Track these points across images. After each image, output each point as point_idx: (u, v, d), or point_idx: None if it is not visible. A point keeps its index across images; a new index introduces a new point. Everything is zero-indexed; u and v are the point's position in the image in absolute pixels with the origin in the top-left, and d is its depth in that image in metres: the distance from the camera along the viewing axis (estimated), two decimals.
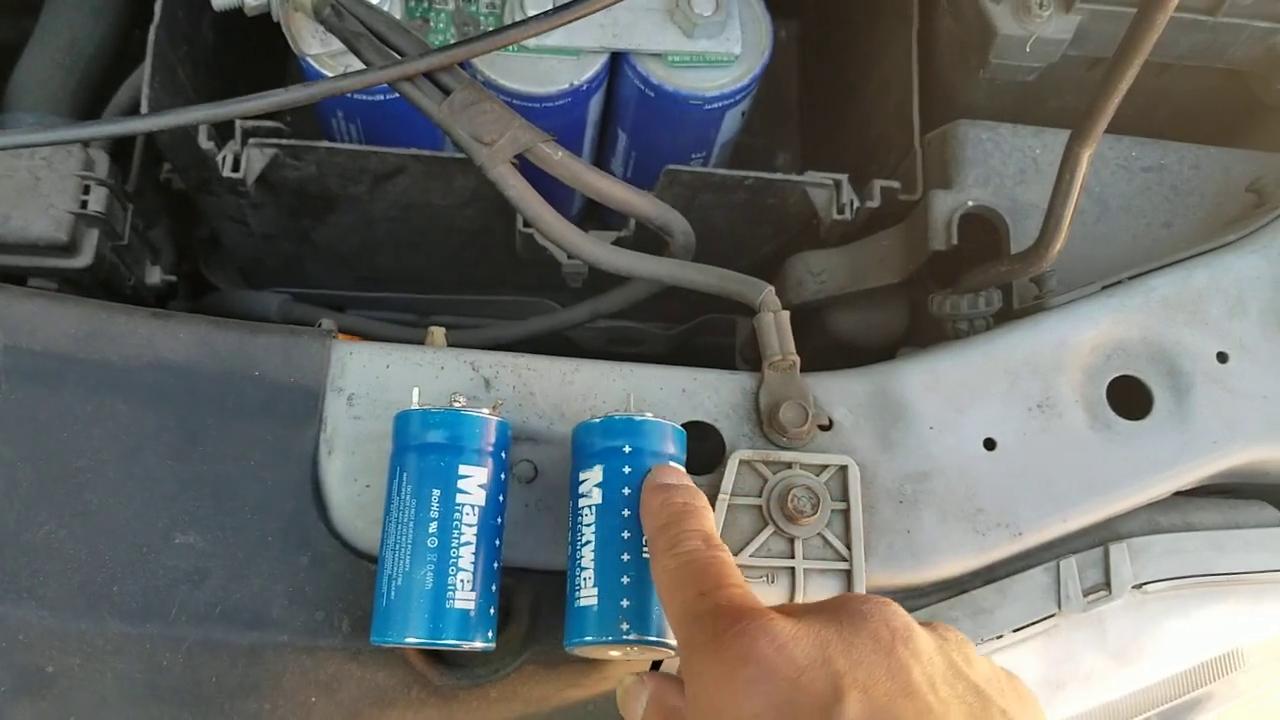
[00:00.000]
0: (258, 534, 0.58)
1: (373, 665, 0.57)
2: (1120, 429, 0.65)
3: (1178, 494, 0.67)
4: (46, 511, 0.57)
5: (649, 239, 0.73)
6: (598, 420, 0.55)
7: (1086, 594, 0.63)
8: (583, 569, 0.53)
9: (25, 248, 0.69)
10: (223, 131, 0.73)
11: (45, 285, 0.72)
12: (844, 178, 0.77)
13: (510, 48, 0.74)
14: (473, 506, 0.53)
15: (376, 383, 0.61)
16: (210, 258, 0.93)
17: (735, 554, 0.59)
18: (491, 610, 0.54)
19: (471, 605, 0.53)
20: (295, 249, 0.88)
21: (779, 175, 0.75)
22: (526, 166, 0.66)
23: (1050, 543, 0.64)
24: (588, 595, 0.52)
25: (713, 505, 0.59)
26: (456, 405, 0.55)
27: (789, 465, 0.61)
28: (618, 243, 0.71)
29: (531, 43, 0.75)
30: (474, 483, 0.54)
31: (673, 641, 0.51)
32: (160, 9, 0.71)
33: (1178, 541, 0.65)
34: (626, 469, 0.54)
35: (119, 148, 0.76)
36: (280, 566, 0.58)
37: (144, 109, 0.69)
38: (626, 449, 0.54)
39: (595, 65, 0.78)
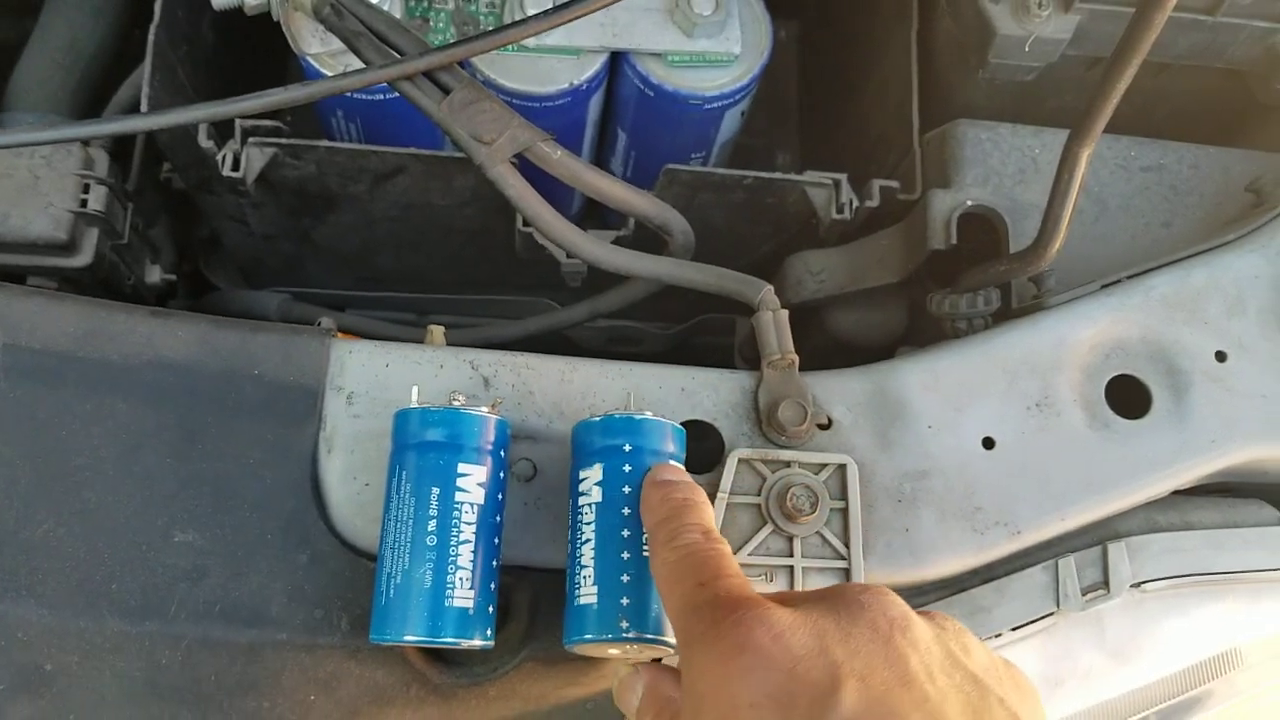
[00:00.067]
0: (257, 532, 0.58)
1: (372, 663, 0.57)
2: (1119, 428, 0.65)
3: (1176, 493, 0.67)
4: (46, 510, 0.57)
5: (648, 238, 0.73)
6: (598, 419, 0.55)
7: (1085, 593, 0.63)
8: (582, 567, 0.53)
9: (25, 246, 0.69)
10: (222, 130, 0.73)
11: (45, 284, 0.72)
12: (843, 177, 0.77)
13: (510, 47, 0.74)
14: (472, 505, 0.53)
15: (376, 381, 0.61)
16: (210, 257, 0.93)
17: (734, 552, 0.59)
18: (490, 608, 0.54)
19: (470, 603, 0.53)
20: (295, 248, 0.88)
21: (778, 175, 0.75)
22: (526, 166, 0.66)
23: (1049, 541, 0.64)
24: (587, 593, 0.53)
25: (712, 504, 0.59)
26: (456, 404, 0.55)
27: (788, 464, 0.61)
28: (617, 242, 0.71)
29: (531, 42, 0.75)
30: (473, 481, 0.54)
31: (672, 640, 0.51)
32: (160, 9, 0.72)
33: (1176, 540, 0.65)
34: (626, 467, 0.54)
35: (119, 147, 0.76)
36: (279, 565, 0.58)
37: (144, 108, 0.69)
38: (627, 447, 0.54)
39: (595, 65, 0.78)
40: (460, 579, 0.52)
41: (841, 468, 0.61)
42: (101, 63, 0.86)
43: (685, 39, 0.77)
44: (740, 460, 0.61)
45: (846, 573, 0.59)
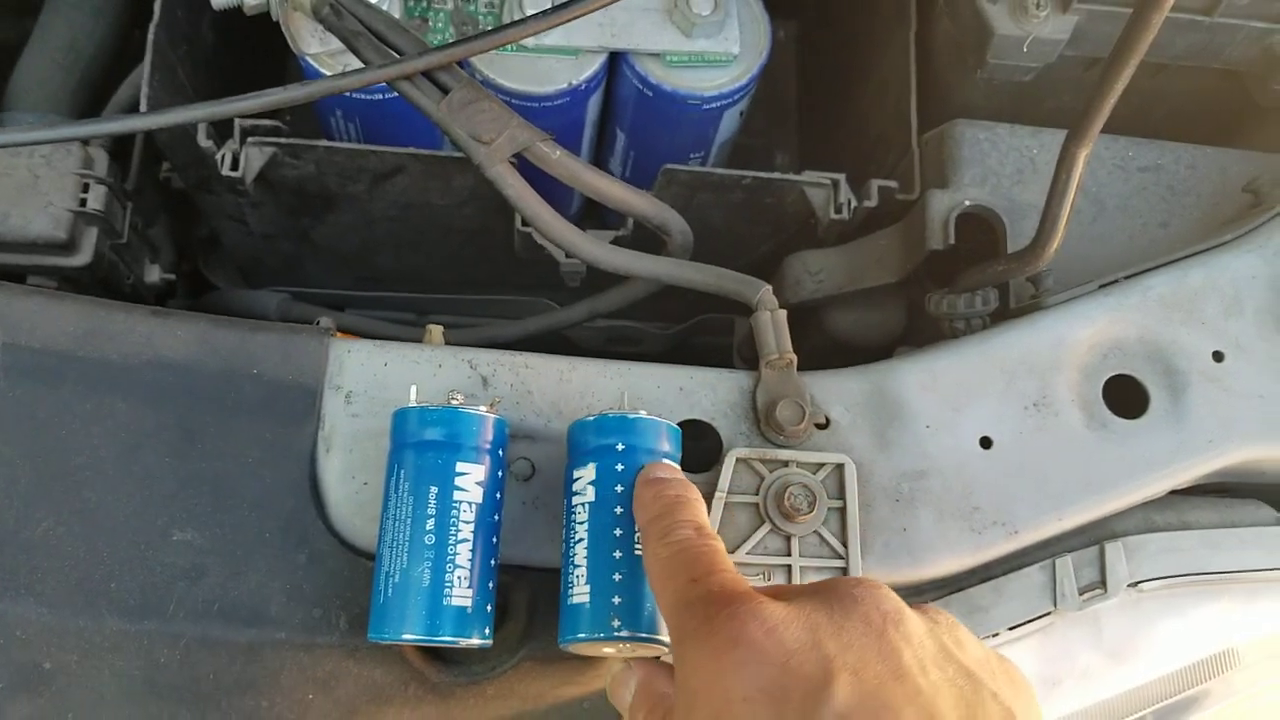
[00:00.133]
0: (256, 531, 0.58)
1: (370, 662, 0.57)
2: (1116, 428, 0.65)
3: (1173, 493, 0.67)
4: (45, 509, 0.57)
5: (647, 238, 0.73)
6: (591, 418, 0.55)
7: (1082, 592, 0.63)
8: (576, 566, 0.53)
9: (24, 246, 0.69)
10: (222, 130, 0.73)
11: (44, 283, 0.72)
12: (841, 177, 0.77)
13: (509, 47, 0.74)
14: (470, 504, 0.54)
15: (374, 380, 0.61)
16: (209, 257, 0.93)
17: (732, 552, 0.59)
18: (488, 607, 0.54)
19: (468, 602, 0.53)
20: (294, 248, 0.88)
21: (777, 175, 0.76)
22: (525, 166, 0.66)
23: (1046, 541, 0.64)
24: (580, 592, 0.53)
25: (710, 503, 0.59)
26: (454, 403, 0.55)
27: (786, 463, 0.61)
28: (616, 242, 0.71)
29: (530, 42, 0.75)
30: (471, 480, 0.54)
31: (665, 638, 0.51)
32: (160, 8, 0.72)
33: (1173, 540, 0.65)
34: (619, 466, 0.54)
35: (118, 146, 0.76)
36: (278, 564, 0.58)
37: (143, 107, 0.70)
38: (620, 446, 0.54)
39: (594, 65, 0.78)
40: (458, 578, 0.53)
41: (839, 467, 0.61)
42: (101, 62, 0.86)
43: (684, 39, 0.78)
44: (738, 460, 0.61)
45: (844, 572, 0.60)
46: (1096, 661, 0.64)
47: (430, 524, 0.53)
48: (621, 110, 0.85)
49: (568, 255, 0.74)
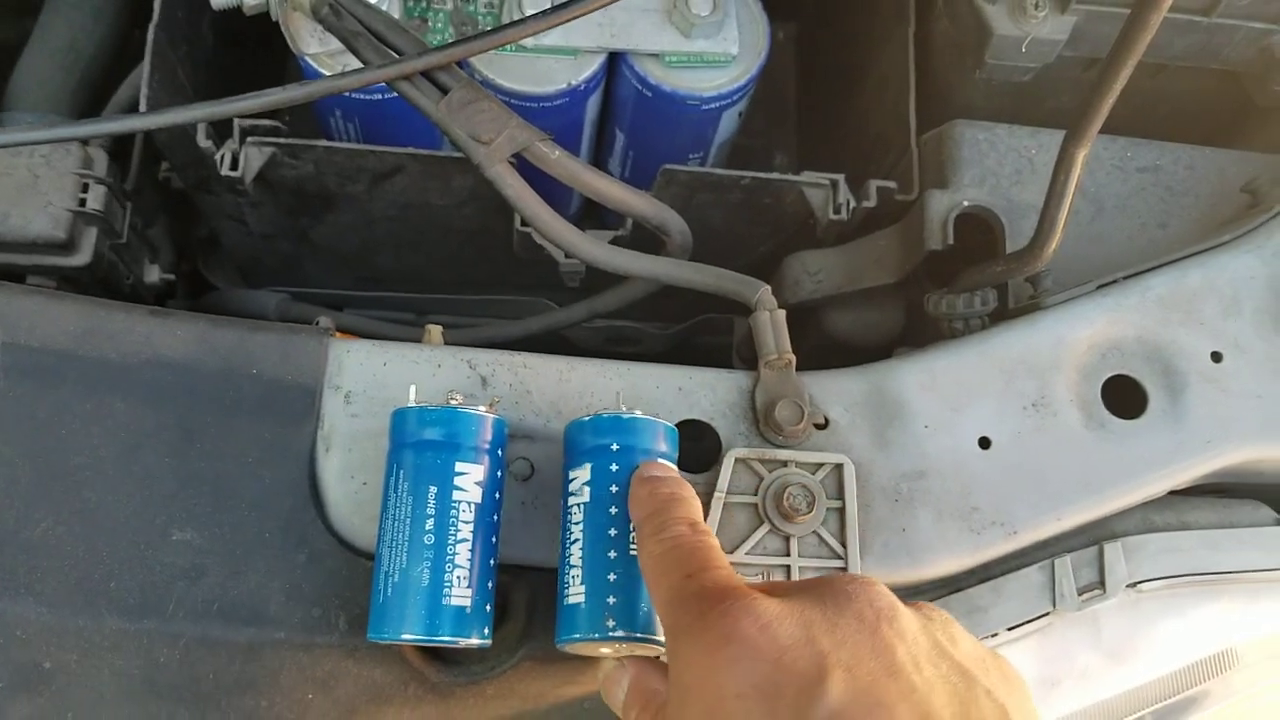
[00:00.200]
0: (255, 531, 0.58)
1: (369, 662, 0.57)
2: (1115, 428, 0.65)
3: (1172, 493, 0.67)
4: (45, 508, 0.57)
5: (646, 238, 0.73)
6: (587, 419, 0.55)
7: (1081, 592, 0.63)
8: (571, 567, 0.53)
9: (24, 246, 0.69)
10: (221, 130, 0.73)
11: (44, 283, 0.72)
12: (840, 178, 0.77)
13: (508, 47, 0.74)
14: (469, 504, 0.54)
15: (374, 380, 0.61)
16: (209, 257, 0.93)
17: (731, 552, 0.59)
18: (488, 607, 0.54)
19: (468, 602, 0.53)
20: (293, 248, 0.88)
21: (776, 175, 0.76)
22: (524, 166, 0.66)
23: (1045, 541, 0.64)
24: (576, 593, 0.53)
25: (708, 503, 0.59)
26: (453, 403, 0.55)
27: (785, 463, 0.61)
28: (615, 242, 0.71)
29: (529, 42, 0.75)
30: (470, 480, 0.54)
31: (661, 638, 0.51)
32: (159, 8, 0.72)
33: (1172, 540, 0.65)
34: (614, 467, 0.54)
35: (118, 146, 0.76)
36: (277, 563, 0.58)
37: (143, 107, 0.70)
38: (614, 447, 0.54)
39: (593, 65, 0.78)
40: (458, 577, 0.53)
41: (838, 467, 0.61)
42: (101, 62, 0.86)
43: (683, 39, 0.78)
44: (737, 460, 0.61)
45: (843, 572, 0.60)
46: (1095, 662, 0.64)
47: (429, 524, 0.53)
48: (620, 110, 0.85)
49: (567, 255, 0.74)
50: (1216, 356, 0.67)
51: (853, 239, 0.81)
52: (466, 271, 0.93)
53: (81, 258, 0.71)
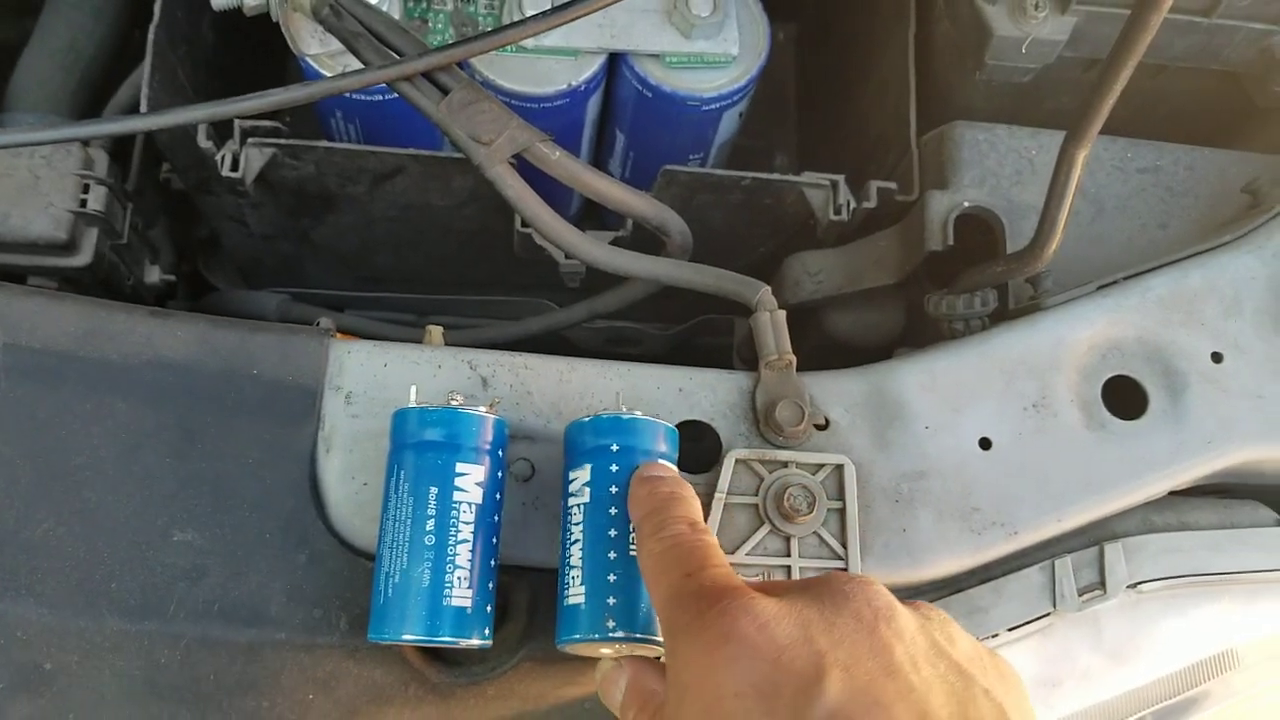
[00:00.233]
0: (256, 532, 0.58)
1: (370, 663, 0.57)
2: (1115, 429, 0.65)
3: (1173, 494, 0.67)
4: (46, 509, 0.57)
5: (646, 239, 0.73)
6: (586, 419, 0.55)
7: (1082, 593, 0.63)
8: (571, 567, 0.53)
9: (25, 246, 0.69)
10: (222, 131, 0.73)
11: (45, 284, 0.72)
12: (841, 178, 0.77)
13: (508, 48, 0.74)
14: (470, 504, 0.54)
15: (374, 381, 0.61)
16: (209, 258, 0.93)
17: (732, 553, 0.59)
18: (488, 608, 0.54)
19: (468, 603, 0.53)
20: (294, 249, 0.88)
21: (776, 176, 0.76)
22: (524, 166, 0.66)
23: (1046, 542, 0.64)
24: (576, 593, 0.53)
25: (709, 504, 0.59)
26: (454, 403, 0.55)
27: (785, 464, 0.61)
28: (615, 243, 0.71)
29: (530, 43, 0.75)
30: (471, 480, 0.54)
31: (660, 638, 0.51)
32: (160, 9, 0.72)
33: (1173, 541, 0.65)
34: (614, 467, 0.54)
35: (119, 147, 0.76)
36: (278, 564, 0.58)
37: (143, 108, 0.70)
38: (614, 447, 0.54)
39: (593, 66, 0.78)
40: (458, 578, 0.53)
41: (839, 468, 0.61)
42: (101, 63, 0.86)
43: (683, 40, 0.78)
44: (738, 460, 0.61)
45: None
46: (1096, 662, 0.64)
47: (430, 524, 0.53)
48: (621, 111, 0.85)
49: (567, 256, 0.74)
50: (1217, 357, 0.67)
51: (853, 240, 0.81)
52: (467, 272, 0.93)
53: (82, 258, 0.71)
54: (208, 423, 0.59)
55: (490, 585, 0.54)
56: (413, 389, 0.56)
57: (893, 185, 0.77)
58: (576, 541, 0.54)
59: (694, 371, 0.64)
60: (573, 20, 0.63)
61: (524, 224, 0.73)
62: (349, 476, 0.59)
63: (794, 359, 0.64)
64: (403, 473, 0.54)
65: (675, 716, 0.44)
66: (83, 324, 0.60)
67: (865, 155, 0.88)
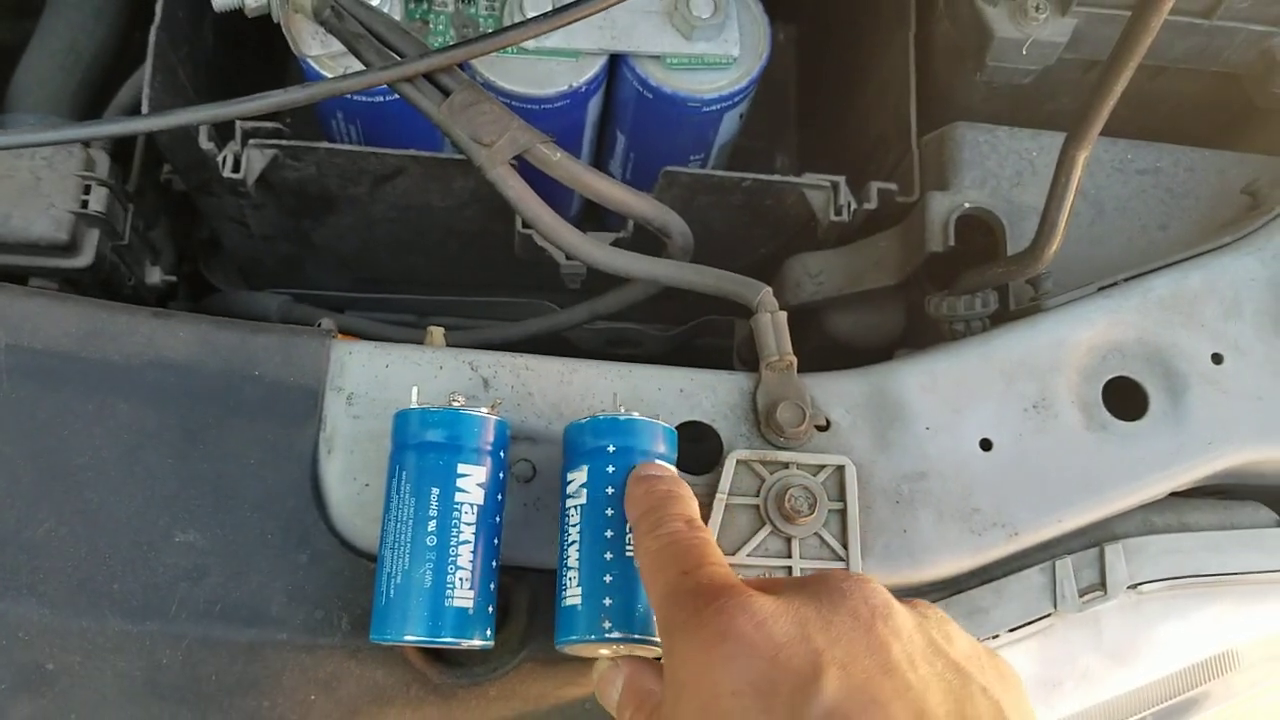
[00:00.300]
0: (257, 532, 0.58)
1: (371, 663, 0.57)
2: (1116, 430, 0.65)
3: (1173, 495, 0.67)
4: (47, 509, 0.57)
5: (647, 240, 0.73)
6: (584, 421, 0.55)
7: (1082, 594, 0.63)
8: (569, 569, 0.53)
9: (26, 247, 0.69)
10: (223, 132, 0.73)
11: (46, 285, 0.72)
12: (841, 180, 0.77)
13: (509, 49, 0.74)
14: (471, 505, 0.54)
15: (376, 382, 0.61)
16: (210, 259, 0.93)
17: (733, 554, 0.59)
18: (490, 608, 0.54)
19: (470, 603, 0.53)
20: (295, 250, 0.88)
21: (777, 177, 0.76)
22: (525, 168, 0.66)
23: (1046, 543, 0.64)
24: (573, 595, 0.53)
25: (710, 505, 0.59)
26: (455, 404, 0.55)
27: (786, 465, 0.61)
28: (616, 244, 0.71)
29: (530, 44, 0.75)
30: (472, 481, 0.54)
31: (657, 639, 0.51)
32: (161, 10, 0.72)
33: (1173, 542, 0.65)
34: (610, 468, 0.54)
35: (120, 148, 0.76)
36: (280, 564, 0.58)
37: (145, 109, 0.70)
38: (611, 448, 0.54)
39: (594, 67, 0.78)
40: (460, 579, 0.53)
41: (840, 469, 0.61)
42: (102, 64, 0.86)
43: (684, 41, 0.78)
44: (739, 461, 0.61)
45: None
46: (1096, 663, 0.64)
47: (432, 525, 0.53)
48: (622, 112, 0.85)
49: (568, 257, 0.74)
50: (1217, 358, 0.67)
51: (854, 241, 0.81)
52: (468, 273, 0.93)
53: (83, 259, 0.71)
54: (209, 423, 0.59)
55: (492, 586, 0.54)
56: (414, 390, 0.56)
57: (893, 186, 0.77)
58: (574, 543, 0.54)
59: (695, 372, 0.64)
60: (574, 22, 0.63)
61: (525, 225, 0.73)
62: (350, 477, 0.59)
63: (795, 360, 0.64)
64: (404, 474, 0.54)
65: (672, 715, 0.44)
66: (84, 325, 0.60)
67: (866, 156, 0.88)
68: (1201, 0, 0.73)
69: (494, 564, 0.55)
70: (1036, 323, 0.68)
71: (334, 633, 0.57)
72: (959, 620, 0.51)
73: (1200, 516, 0.67)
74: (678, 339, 1.01)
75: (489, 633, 0.54)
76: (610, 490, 0.53)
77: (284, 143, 0.72)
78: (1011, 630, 0.63)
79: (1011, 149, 0.77)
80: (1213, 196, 0.77)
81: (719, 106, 0.80)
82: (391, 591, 0.53)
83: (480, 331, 0.88)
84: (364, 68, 0.65)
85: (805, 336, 0.75)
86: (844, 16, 0.96)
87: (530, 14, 0.75)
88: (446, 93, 0.65)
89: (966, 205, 0.74)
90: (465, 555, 0.53)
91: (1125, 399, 0.66)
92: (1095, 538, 0.65)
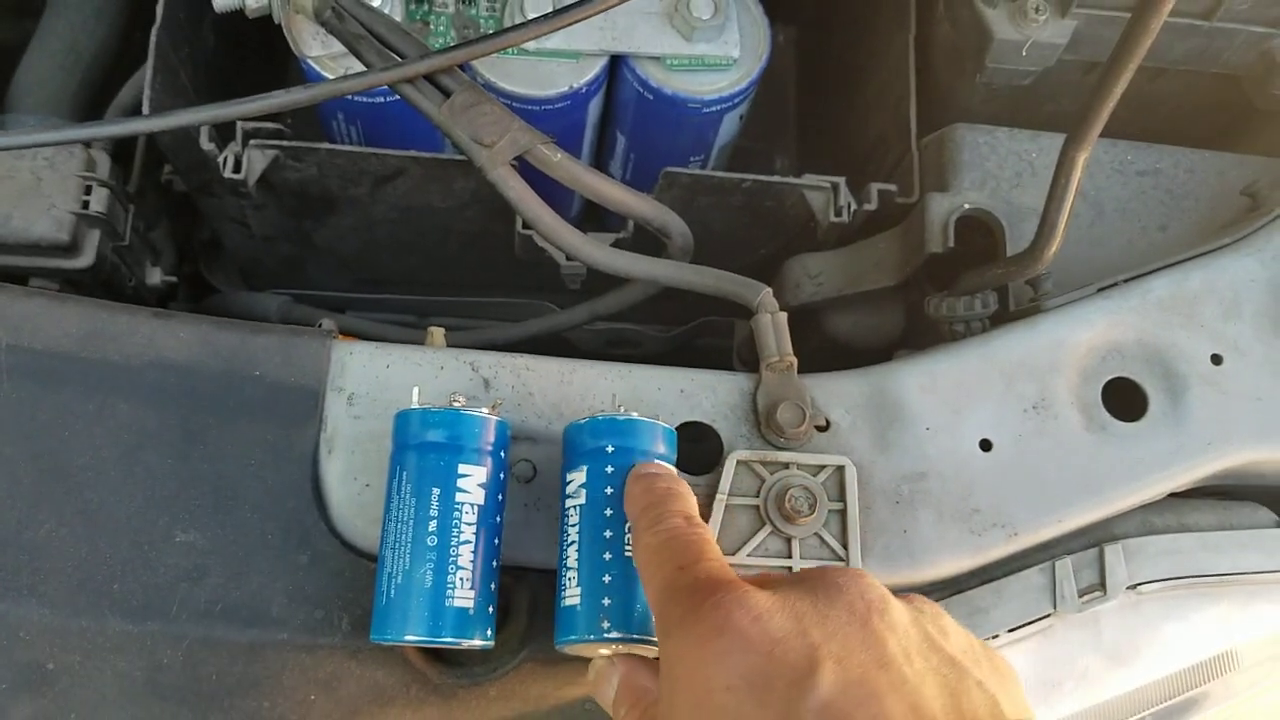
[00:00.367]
0: (258, 532, 0.58)
1: (372, 663, 0.58)
2: (1115, 430, 0.65)
3: (1172, 495, 0.67)
4: (48, 510, 0.57)
5: (647, 241, 0.73)
6: (583, 421, 0.56)
7: (1082, 594, 0.63)
8: (568, 569, 0.54)
9: (27, 248, 0.69)
10: (224, 133, 0.73)
11: (47, 285, 0.72)
12: (841, 180, 0.77)
13: (510, 50, 0.74)
14: (472, 505, 0.54)
15: (376, 382, 0.61)
16: (211, 259, 0.93)
17: (733, 554, 0.59)
18: (490, 608, 0.54)
19: (470, 603, 0.53)
20: (295, 251, 0.88)
21: (777, 178, 0.76)
22: (526, 168, 0.66)
23: (1046, 543, 0.64)
24: (572, 595, 0.53)
25: (710, 505, 0.59)
26: (456, 405, 0.55)
27: (786, 465, 0.61)
28: (616, 244, 0.71)
29: (531, 45, 0.75)
30: (473, 482, 0.54)
31: (656, 638, 0.51)
32: (162, 11, 0.72)
33: (1172, 542, 0.65)
34: (609, 469, 0.54)
35: (120, 149, 0.76)
36: (280, 565, 0.58)
37: (145, 110, 0.70)
38: (609, 448, 0.54)
39: (594, 68, 0.78)
40: (460, 579, 0.53)
41: (840, 469, 0.61)
42: (103, 64, 0.87)
43: (684, 43, 0.78)
44: (739, 462, 0.61)
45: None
46: (1096, 664, 0.64)
47: (432, 525, 0.53)
48: (622, 113, 0.85)
49: (568, 258, 0.74)
50: (1216, 359, 0.68)
51: (853, 242, 0.82)
52: (468, 274, 0.93)
53: (84, 260, 0.71)
54: (210, 424, 0.60)
55: (492, 586, 0.54)
56: (415, 390, 0.56)
57: (893, 187, 0.77)
58: (573, 543, 0.54)
59: (695, 373, 0.64)
60: (574, 23, 0.63)
61: (525, 226, 0.73)
62: (351, 478, 0.59)
63: (795, 360, 0.64)
64: (405, 474, 0.54)
65: (667, 711, 0.44)
66: (85, 325, 0.60)
67: (865, 157, 0.88)
68: (1201, 2, 0.73)
69: (494, 564, 0.55)
70: (1036, 323, 0.68)
71: (334, 633, 0.57)
72: (958, 620, 0.51)
73: (1200, 517, 0.67)
74: (678, 339, 1.01)
75: (489, 633, 0.54)
76: (609, 490, 0.54)
77: (285, 143, 0.72)
78: (1011, 630, 0.63)
79: (1011, 150, 0.77)
80: (1212, 198, 0.77)
81: (719, 107, 0.81)
82: (392, 591, 0.53)
83: (481, 332, 0.88)
84: (365, 69, 0.66)
85: (805, 337, 0.75)
86: (844, 18, 0.96)
87: (531, 15, 0.75)
88: (447, 94, 0.65)
89: (966, 206, 0.74)
90: (466, 555, 0.53)
91: (1125, 400, 0.67)
92: (1095, 538, 0.65)
